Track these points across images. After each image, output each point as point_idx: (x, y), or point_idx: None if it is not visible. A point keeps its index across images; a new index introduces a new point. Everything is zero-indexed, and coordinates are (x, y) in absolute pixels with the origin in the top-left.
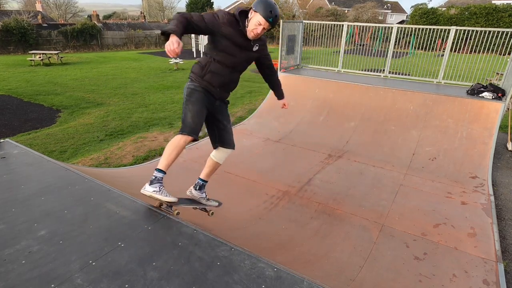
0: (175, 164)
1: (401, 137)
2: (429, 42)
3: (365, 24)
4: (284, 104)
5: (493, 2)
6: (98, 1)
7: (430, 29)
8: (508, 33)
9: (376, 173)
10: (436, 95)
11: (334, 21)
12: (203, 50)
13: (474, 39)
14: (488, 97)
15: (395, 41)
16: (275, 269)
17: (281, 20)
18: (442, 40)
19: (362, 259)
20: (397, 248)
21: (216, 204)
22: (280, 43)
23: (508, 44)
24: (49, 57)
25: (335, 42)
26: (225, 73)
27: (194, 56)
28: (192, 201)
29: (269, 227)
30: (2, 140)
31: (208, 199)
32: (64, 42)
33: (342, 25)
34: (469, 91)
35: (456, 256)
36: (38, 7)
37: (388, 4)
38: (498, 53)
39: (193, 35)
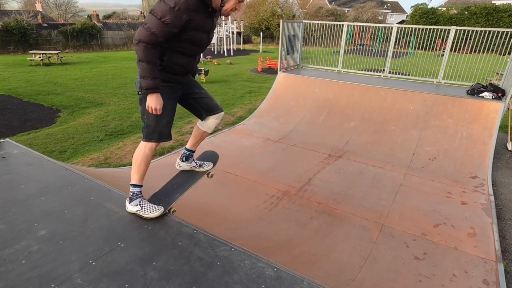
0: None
1: (401, 137)
2: (429, 42)
3: (365, 24)
4: None
5: (493, 2)
6: (98, 1)
7: (430, 29)
8: (508, 33)
9: (376, 173)
10: (436, 95)
11: (334, 21)
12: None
13: (474, 39)
14: (488, 97)
15: (395, 41)
16: (275, 269)
17: (281, 20)
18: (442, 40)
19: (362, 259)
20: (397, 248)
21: (211, 165)
22: (280, 43)
23: (508, 44)
24: (49, 57)
25: (335, 42)
26: (189, 61)
27: None
28: (176, 188)
29: (269, 227)
30: (2, 140)
31: (200, 165)
32: (64, 42)
33: (342, 25)
34: (469, 91)
35: (456, 256)
36: (38, 7)
37: (388, 4)
38: (498, 53)
39: None
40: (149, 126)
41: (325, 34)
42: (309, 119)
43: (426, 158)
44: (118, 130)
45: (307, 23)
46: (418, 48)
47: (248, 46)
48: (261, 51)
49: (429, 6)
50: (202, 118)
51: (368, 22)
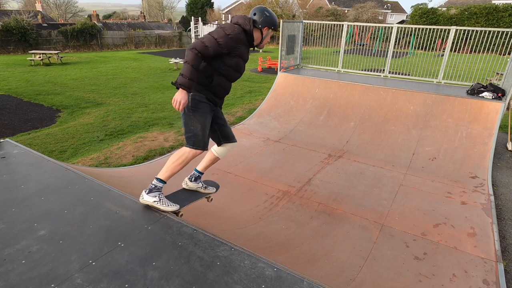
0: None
1: (401, 137)
2: (429, 42)
3: (365, 24)
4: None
5: (493, 2)
6: (98, 1)
7: (430, 29)
8: (508, 33)
9: (376, 173)
10: (436, 95)
11: (334, 21)
12: None
13: (474, 39)
14: (488, 97)
15: (395, 41)
16: (275, 269)
17: (281, 20)
18: (442, 40)
19: (362, 259)
20: (397, 248)
21: (214, 190)
22: (280, 43)
23: (508, 44)
24: (49, 57)
25: (335, 42)
26: (229, 85)
27: None
28: (190, 196)
29: (269, 227)
30: (2, 140)
31: (205, 187)
32: (64, 42)
33: (342, 25)
34: (469, 91)
35: (456, 256)
36: (38, 7)
37: (388, 4)
38: (498, 53)
39: (192, 32)
40: (197, 135)
41: (325, 34)
42: (309, 119)
43: (426, 158)
44: (118, 130)
45: (307, 23)
46: (418, 48)
47: None
48: (261, 51)
49: (429, 6)
50: (219, 143)
51: (368, 22)
